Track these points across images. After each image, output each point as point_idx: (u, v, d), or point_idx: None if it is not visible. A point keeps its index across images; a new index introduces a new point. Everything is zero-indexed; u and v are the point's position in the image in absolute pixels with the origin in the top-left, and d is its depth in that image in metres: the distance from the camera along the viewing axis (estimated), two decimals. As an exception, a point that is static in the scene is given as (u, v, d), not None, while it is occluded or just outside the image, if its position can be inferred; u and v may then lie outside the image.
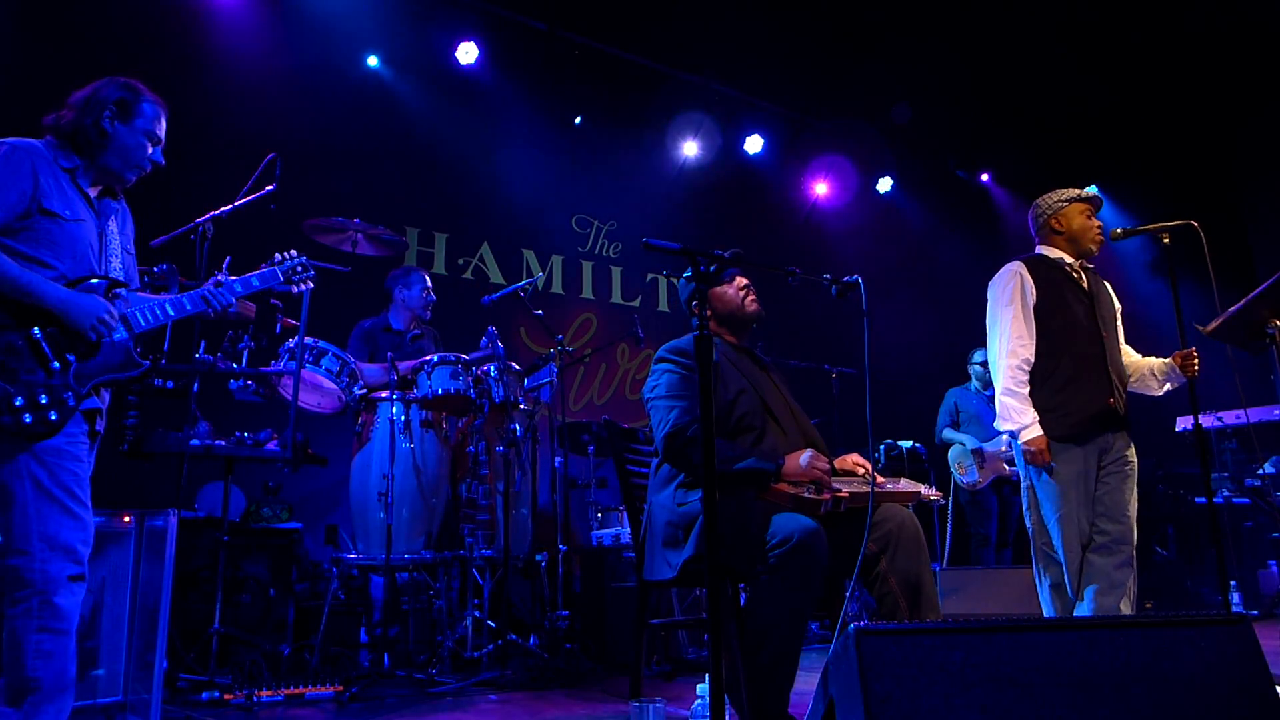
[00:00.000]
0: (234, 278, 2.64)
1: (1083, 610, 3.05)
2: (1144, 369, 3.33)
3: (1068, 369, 3.17)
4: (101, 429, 2.36)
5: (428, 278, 4.77)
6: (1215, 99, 7.87)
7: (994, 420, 4.95)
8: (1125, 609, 3.00)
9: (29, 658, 2.07)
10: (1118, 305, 3.41)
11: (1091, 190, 3.39)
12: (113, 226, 2.43)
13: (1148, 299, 6.60)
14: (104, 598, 2.80)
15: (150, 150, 2.42)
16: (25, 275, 2.14)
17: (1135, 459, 3.19)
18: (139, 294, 2.44)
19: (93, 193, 2.38)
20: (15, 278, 2.13)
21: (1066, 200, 3.36)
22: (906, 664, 1.51)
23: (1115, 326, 3.33)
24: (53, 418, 2.13)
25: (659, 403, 2.67)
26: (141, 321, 2.35)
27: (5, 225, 2.17)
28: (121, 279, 2.40)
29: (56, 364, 2.17)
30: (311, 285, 2.88)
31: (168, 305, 2.42)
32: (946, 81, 7.41)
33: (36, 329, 2.15)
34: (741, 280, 2.85)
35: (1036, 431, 3.11)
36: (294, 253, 2.82)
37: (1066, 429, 3.11)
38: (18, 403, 2.08)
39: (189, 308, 2.47)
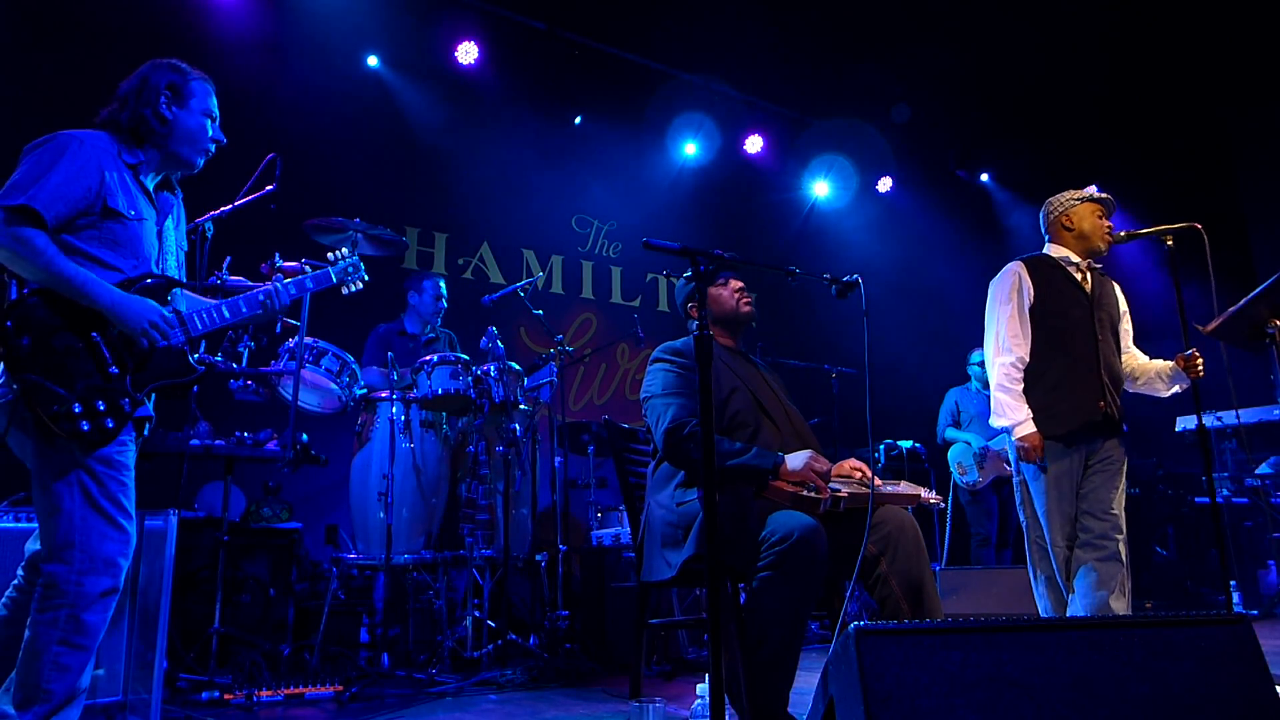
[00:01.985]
0: (289, 280, 2.54)
1: (1074, 606, 3.08)
2: (1150, 371, 3.36)
3: (1060, 370, 3.20)
4: (146, 433, 2.27)
5: (442, 284, 4.80)
6: (1216, 98, 7.87)
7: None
8: (1117, 605, 3.01)
9: (46, 668, 2.00)
10: (1124, 307, 3.42)
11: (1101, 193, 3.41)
12: (169, 223, 2.36)
13: (1150, 298, 6.59)
14: (104, 598, 2.79)
15: (210, 130, 2.35)
16: (80, 275, 2.06)
17: (1124, 457, 3.22)
18: (190, 294, 2.35)
19: (152, 186, 2.30)
20: (70, 277, 2.04)
21: (1079, 199, 3.37)
22: (906, 664, 1.51)
23: (1116, 329, 3.35)
24: (109, 425, 2.05)
25: (655, 401, 2.67)
26: (199, 325, 2.26)
27: (69, 221, 2.09)
28: (179, 279, 2.33)
29: (115, 369, 2.09)
30: (361, 285, 2.79)
31: (224, 308, 2.33)
32: (946, 81, 7.41)
33: (96, 332, 2.08)
34: (736, 283, 2.87)
35: (1030, 428, 3.15)
36: (345, 251, 2.75)
37: (1056, 429, 3.16)
38: (75, 409, 2.01)
39: (245, 310, 2.38)
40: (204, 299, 2.36)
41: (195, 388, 2.30)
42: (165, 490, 3.21)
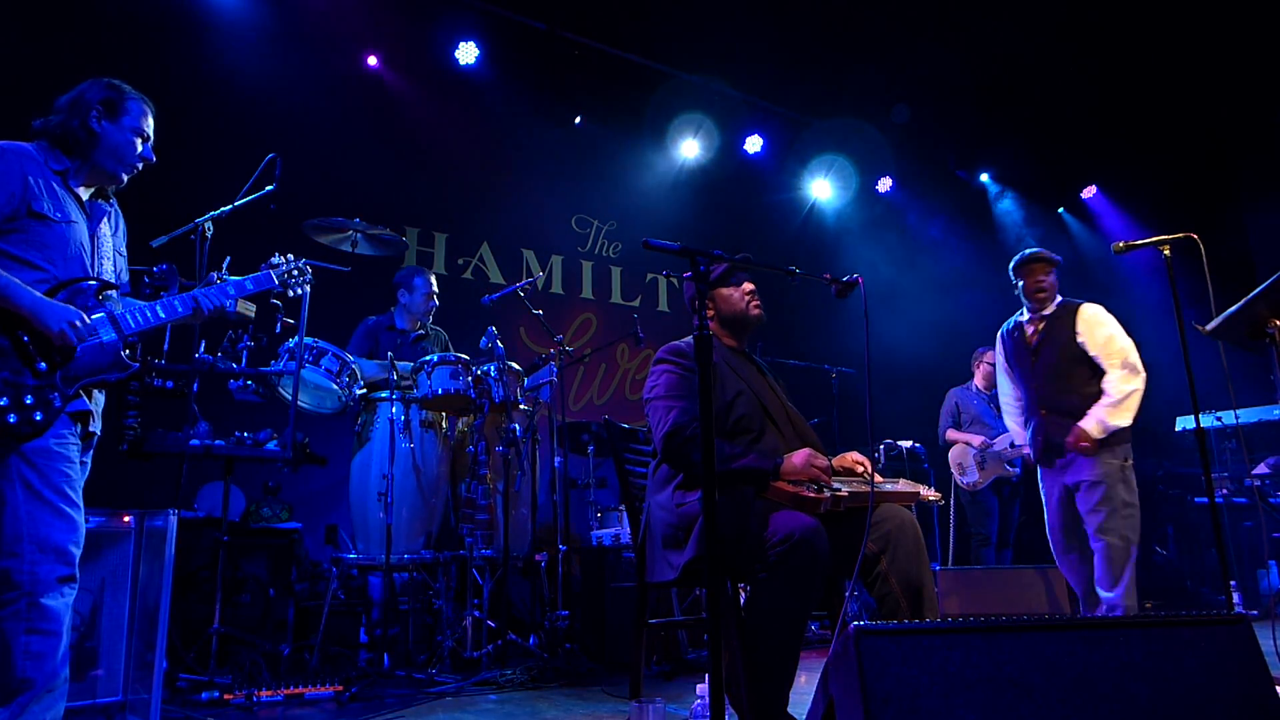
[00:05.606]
0: (228, 280, 2.61)
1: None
2: None
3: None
4: (97, 430, 2.34)
5: (433, 281, 4.74)
6: (1215, 97, 7.87)
7: (996, 420, 5.09)
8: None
9: (18, 659, 2.07)
10: (1080, 338, 3.83)
11: (1027, 253, 4.00)
12: (104, 229, 2.41)
13: (1152, 304, 6.59)
14: (104, 598, 2.80)
15: (140, 148, 2.41)
16: (1, 278, 2.12)
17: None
18: (129, 298, 2.43)
19: (84, 195, 2.37)
20: None
21: (1014, 267, 4.02)
22: (906, 664, 1.51)
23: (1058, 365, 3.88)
24: (38, 419, 2.12)
25: (658, 403, 2.67)
26: (131, 324, 2.33)
27: None
28: (113, 281, 2.38)
29: (43, 365, 2.15)
30: (309, 289, 2.86)
31: (158, 308, 2.40)
32: (946, 81, 7.42)
33: (22, 331, 2.14)
34: (748, 285, 2.85)
35: None
36: (291, 256, 2.80)
37: None
38: (2, 403, 2.08)
39: (180, 310, 2.44)
40: (140, 300, 2.42)
41: (189, 385, 2.30)
42: (165, 490, 3.22)
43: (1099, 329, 3.81)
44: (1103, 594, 3.64)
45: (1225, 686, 1.61)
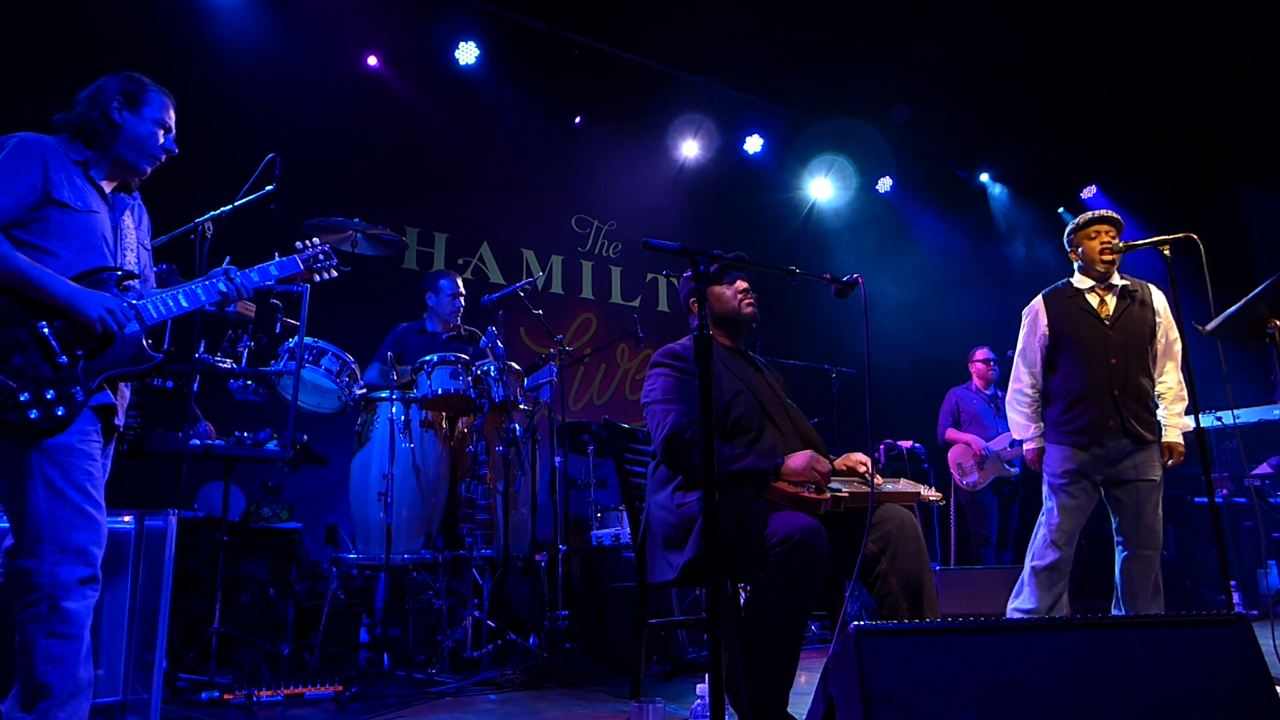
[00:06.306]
0: (251, 268, 2.56)
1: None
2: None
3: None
4: (121, 424, 2.31)
5: (459, 282, 4.81)
6: (1215, 96, 7.87)
7: (995, 420, 5.04)
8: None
9: (39, 663, 2.03)
10: (1159, 322, 3.55)
11: (1096, 213, 3.64)
12: (128, 221, 2.39)
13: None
14: (104, 598, 2.78)
15: (162, 139, 2.38)
16: (35, 269, 2.09)
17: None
18: (151, 290, 2.40)
19: (107, 187, 2.35)
20: (25, 272, 2.08)
21: (1075, 228, 3.64)
22: (906, 664, 1.51)
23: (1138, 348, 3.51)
24: (60, 414, 2.07)
25: (656, 407, 2.66)
26: (154, 313, 2.30)
27: (17, 217, 2.13)
28: (136, 271, 2.36)
29: (64, 359, 2.12)
30: (335, 274, 2.79)
31: (180, 296, 2.37)
32: (946, 81, 7.42)
33: (43, 323, 2.11)
34: (741, 284, 2.85)
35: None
36: (316, 241, 2.76)
37: None
38: (23, 398, 2.03)
39: (203, 298, 2.41)
40: (164, 292, 2.40)
41: (189, 385, 2.29)
42: (165, 490, 3.22)
43: (1170, 319, 3.55)
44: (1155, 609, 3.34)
45: (1225, 686, 1.61)
